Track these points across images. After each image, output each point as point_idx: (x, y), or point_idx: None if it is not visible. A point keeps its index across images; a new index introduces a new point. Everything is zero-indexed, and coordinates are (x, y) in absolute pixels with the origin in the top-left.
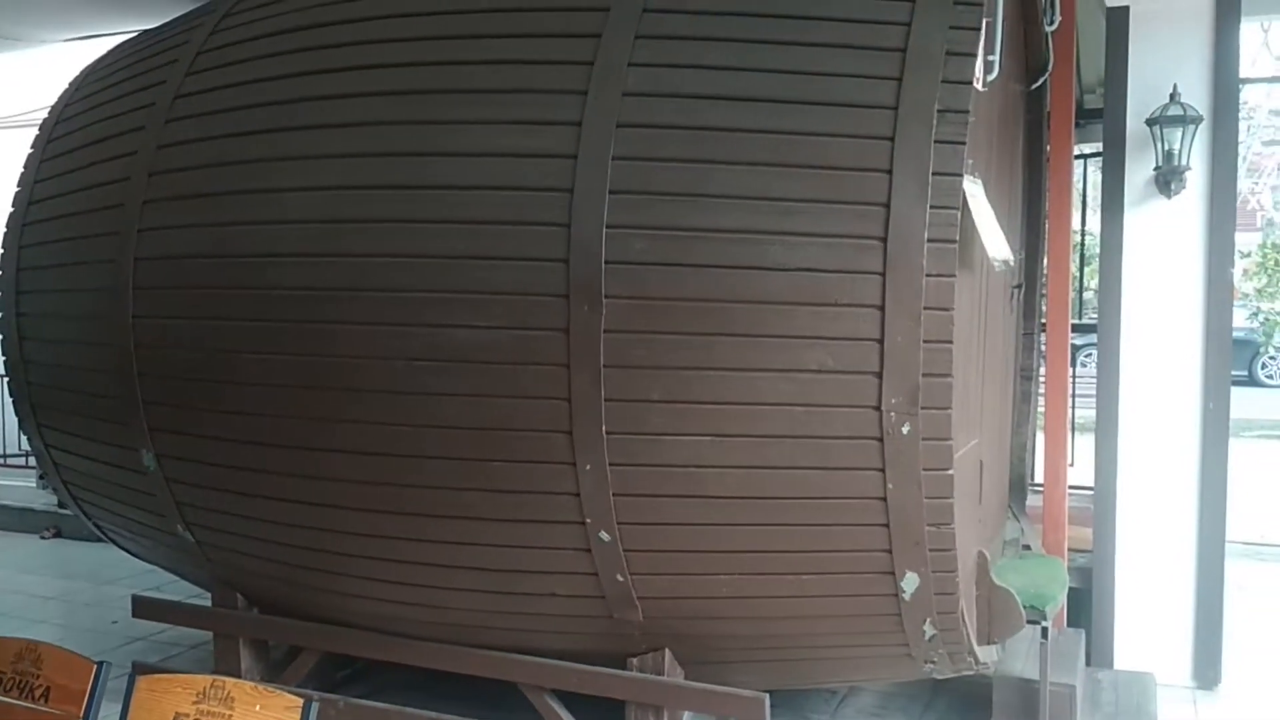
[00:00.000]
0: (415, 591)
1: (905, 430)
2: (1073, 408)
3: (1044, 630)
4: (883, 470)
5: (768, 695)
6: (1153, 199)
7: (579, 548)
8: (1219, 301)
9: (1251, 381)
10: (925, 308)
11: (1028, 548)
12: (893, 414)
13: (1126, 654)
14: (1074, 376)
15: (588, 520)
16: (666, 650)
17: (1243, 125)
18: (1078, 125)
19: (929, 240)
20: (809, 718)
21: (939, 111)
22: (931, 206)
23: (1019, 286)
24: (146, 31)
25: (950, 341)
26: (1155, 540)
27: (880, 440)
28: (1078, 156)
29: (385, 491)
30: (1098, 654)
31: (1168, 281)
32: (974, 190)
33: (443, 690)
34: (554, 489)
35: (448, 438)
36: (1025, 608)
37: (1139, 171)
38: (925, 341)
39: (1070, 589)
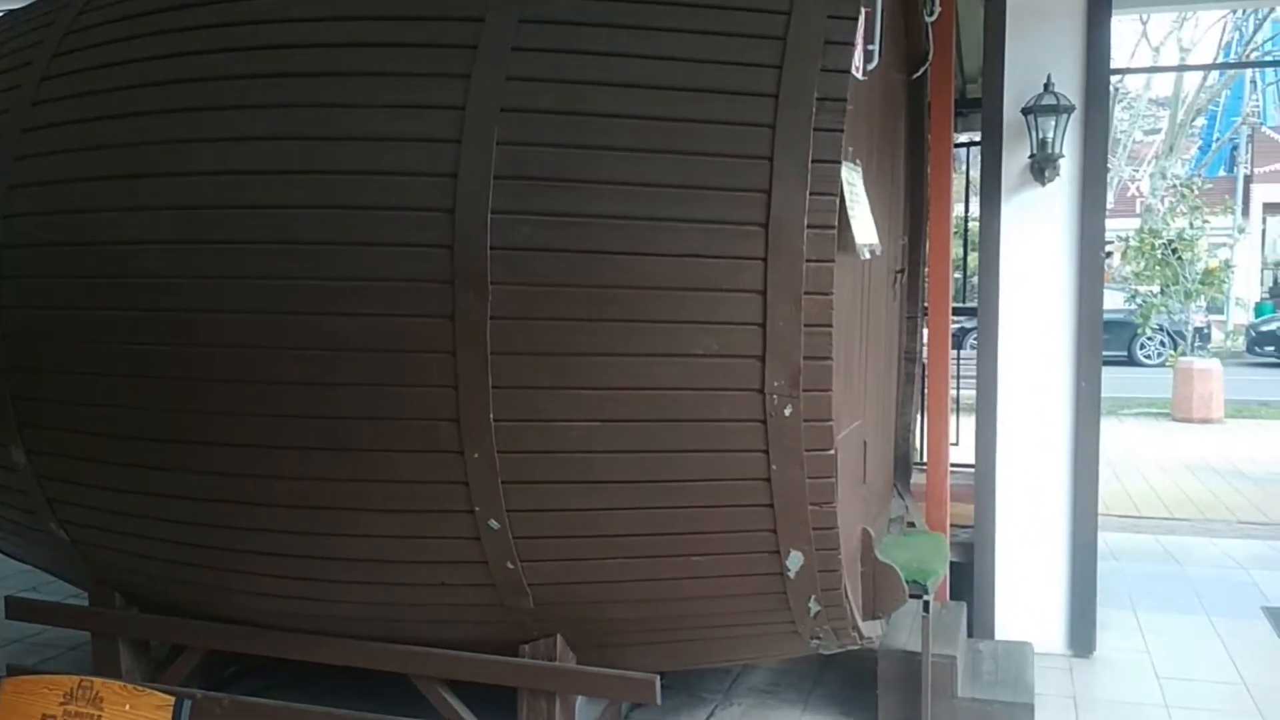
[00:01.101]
0: (303, 585)
1: (787, 412)
2: (957, 389)
3: (926, 604)
4: (766, 452)
5: (659, 677)
6: (1028, 186)
7: (468, 536)
8: (1090, 285)
9: (1131, 361)
10: (806, 292)
11: (912, 525)
12: (775, 397)
13: (1006, 625)
14: (959, 359)
15: (476, 508)
16: (558, 636)
17: (1124, 115)
18: (961, 114)
19: (809, 226)
20: (703, 697)
21: (818, 99)
22: (811, 193)
23: (901, 272)
24: (12, 11)
25: (830, 325)
26: (1032, 515)
27: (764, 422)
28: (962, 145)
29: (269, 484)
30: (979, 625)
31: (1042, 266)
32: (852, 178)
33: (335, 685)
34: (442, 478)
35: (332, 428)
36: (908, 582)
37: (1015, 159)
38: (806, 325)
39: (953, 563)
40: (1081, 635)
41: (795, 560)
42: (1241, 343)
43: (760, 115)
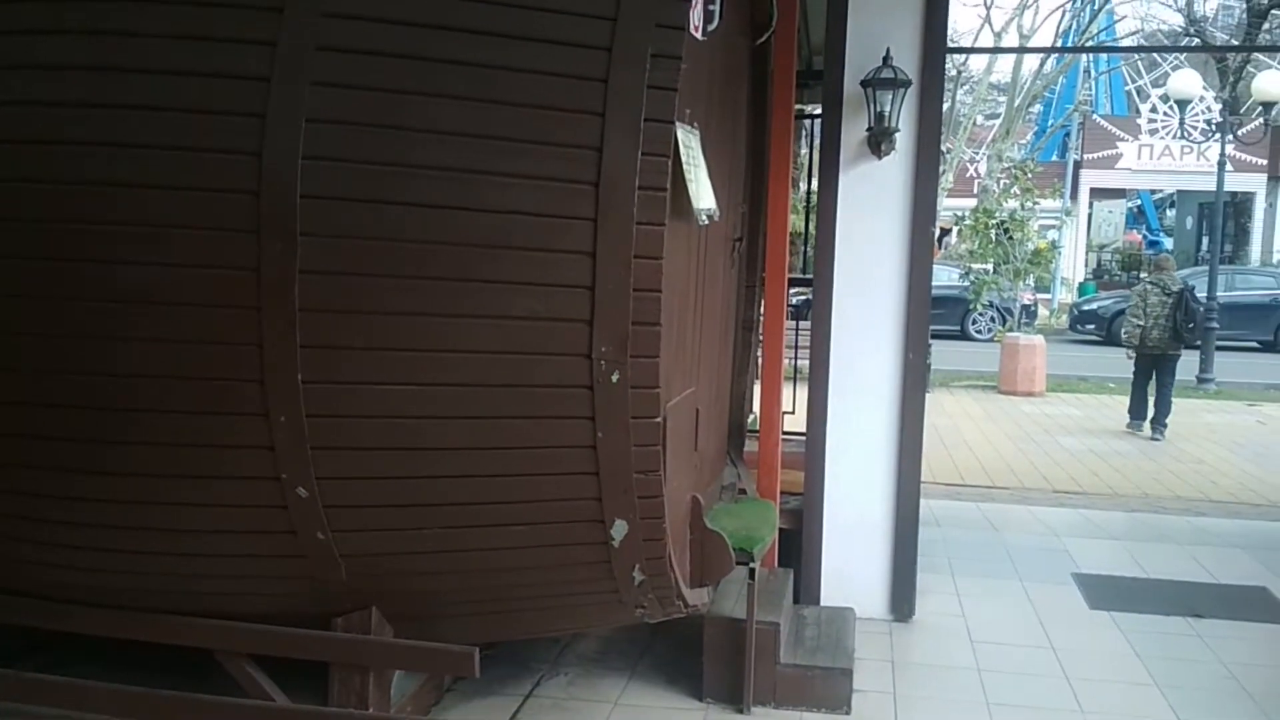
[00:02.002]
0: (100, 556)
1: (614, 378)
2: (795, 358)
3: (751, 571)
4: (592, 419)
5: (478, 649)
6: (865, 159)
7: (275, 505)
8: (920, 259)
9: (964, 336)
10: (636, 256)
11: (743, 492)
12: (602, 362)
13: (832, 591)
14: (798, 329)
15: (283, 475)
16: (373, 609)
17: (967, 98)
18: (809, 86)
19: (640, 187)
20: (529, 667)
21: (653, 56)
22: (643, 153)
23: (739, 240)
24: None
25: (660, 290)
26: (859, 484)
27: (590, 388)
28: (809, 116)
29: (60, 447)
30: (806, 592)
31: (875, 239)
32: (690, 141)
33: (133, 659)
34: (246, 442)
35: (127, 386)
36: (735, 550)
37: (854, 132)
38: (635, 290)
39: (783, 530)
40: (902, 601)
41: (620, 529)
42: (1065, 320)
43: (592, 69)
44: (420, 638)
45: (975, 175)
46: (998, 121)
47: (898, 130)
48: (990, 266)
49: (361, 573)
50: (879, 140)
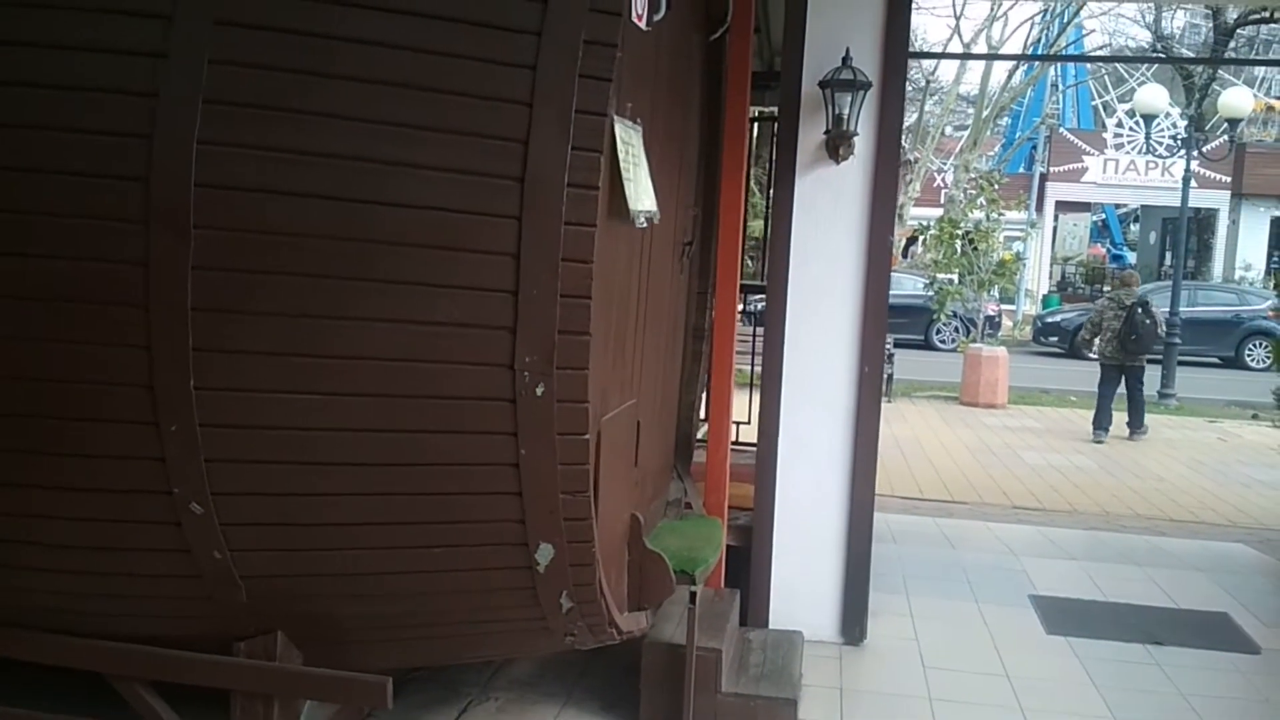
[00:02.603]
0: None
1: (539, 391)
2: (751, 366)
3: (692, 595)
4: (515, 434)
5: (390, 680)
6: (822, 163)
7: (167, 521)
8: (877, 268)
9: (928, 346)
10: (564, 259)
11: (689, 507)
12: (526, 374)
13: (781, 612)
14: (755, 337)
15: (175, 490)
16: (278, 633)
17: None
18: (770, 88)
19: (569, 185)
20: (458, 691)
21: (586, 42)
22: (573, 147)
23: (689, 243)
24: None
25: (589, 297)
26: (811, 500)
27: (513, 402)
28: (767, 118)
29: None
30: (754, 613)
31: (832, 247)
32: (630, 137)
33: (30, 683)
34: (133, 453)
35: (6, 390)
36: (676, 572)
37: (811, 135)
38: (563, 296)
39: (732, 548)
40: (853, 623)
41: (545, 553)
42: (1029, 332)
43: (520, 54)
44: (335, 663)
45: (943, 185)
46: (966, 133)
47: (856, 134)
48: (955, 277)
49: (264, 595)
50: (837, 144)
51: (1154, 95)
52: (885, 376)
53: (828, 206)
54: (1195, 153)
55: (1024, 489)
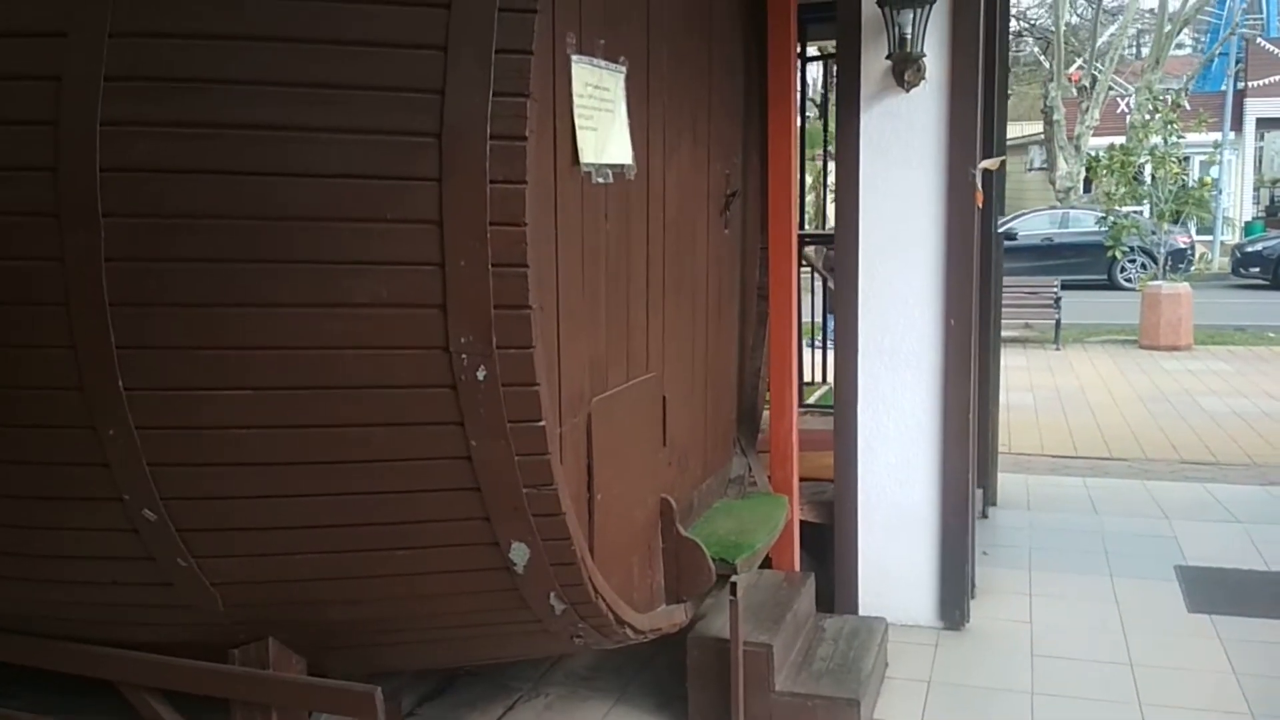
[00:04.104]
0: None
1: (481, 375)
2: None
3: (732, 586)
4: (461, 424)
5: (378, 690)
6: (890, 93)
7: (123, 528)
8: (960, 211)
9: (1111, 285)
10: (492, 222)
11: (755, 484)
12: (464, 356)
13: (872, 595)
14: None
15: (125, 496)
16: (269, 639)
17: (1112, 26)
18: (823, 21)
19: (493, 137)
20: (508, 686)
21: None
22: (496, 93)
23: (732, 195)
24: None
25: (525, 264)
26: (897, 471)
27: (453, 388)
28: (821, 57)
29: None
30: (842, 596)
31: (906, 188)
32: (602, 79)
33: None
34: (78, 459)
35: None
36: (715, 560)
37: (875, 62)
38: (495, 265)
39: (814, 525)
40: (953, 605)
41: (520, 553)
42: (1227, 264)
43: None
44: (344, 667)
45: (1126, 110)
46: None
47: (924, 56)
48: (1145, 209)
49: (244, 602)
50: (902, 69)
51: None
52: (1053, 322)
53: (898, 142)
54: None
55: (1196, 441)
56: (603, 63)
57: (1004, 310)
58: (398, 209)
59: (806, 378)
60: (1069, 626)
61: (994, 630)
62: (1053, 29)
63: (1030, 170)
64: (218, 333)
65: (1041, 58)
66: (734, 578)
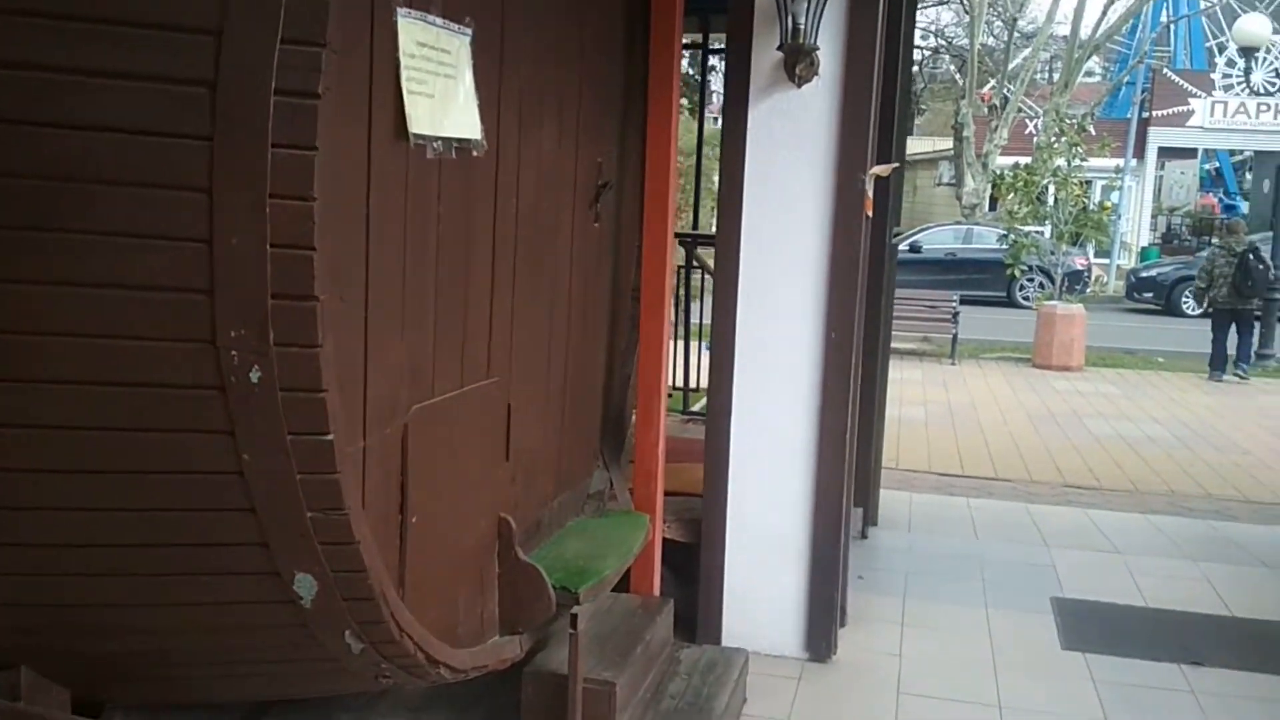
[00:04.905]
0: None
1: (255, 377)
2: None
3: (572, 618)
4: (231, 433)
5: None
6: (780, 87)
7: None
8: (848, 218)
9: (1010, 303)
10: (272, 194)
11: (615, 500)
12: (234, 352)
13: (735, 623)
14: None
15: None
16: (21, 669)
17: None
18: (719, 11)
19: (279, 91)
20: (332, 716)
21: None
22: (285, 41)
23: (604, 185)
24: None
25: (312, 247)
26: (767, 490)
27: (222, 390)
28: (714, 50)
29: None
30: (705, 624)
31: (792, 190)
32: (437, 39)
33: None
34: None
35: None
36: (556, 588)
37: (766, 53)
38: (274, 245)
39: (680, 545)
40: (819, 636)
41: (306, 585)
42: (1122, 288)
43: None
44: (143, 697)
45: (1034, 132)
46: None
47: (817, 48)
48: (1046, 229)
49: None
50: (794, 62)
51: (1255, 25)
52: (950, 337)
53: (787, 140)
54: None
55: (1081, 464)
56: (440, 21)
57: (903, 323)
58: (157, 171)
59: (695, 384)
60: (940, 660)
61: (861, 663)
62: (968, 49)
63: (939, 185)
64: None
65: (957, 75)
66: (575, 608)
